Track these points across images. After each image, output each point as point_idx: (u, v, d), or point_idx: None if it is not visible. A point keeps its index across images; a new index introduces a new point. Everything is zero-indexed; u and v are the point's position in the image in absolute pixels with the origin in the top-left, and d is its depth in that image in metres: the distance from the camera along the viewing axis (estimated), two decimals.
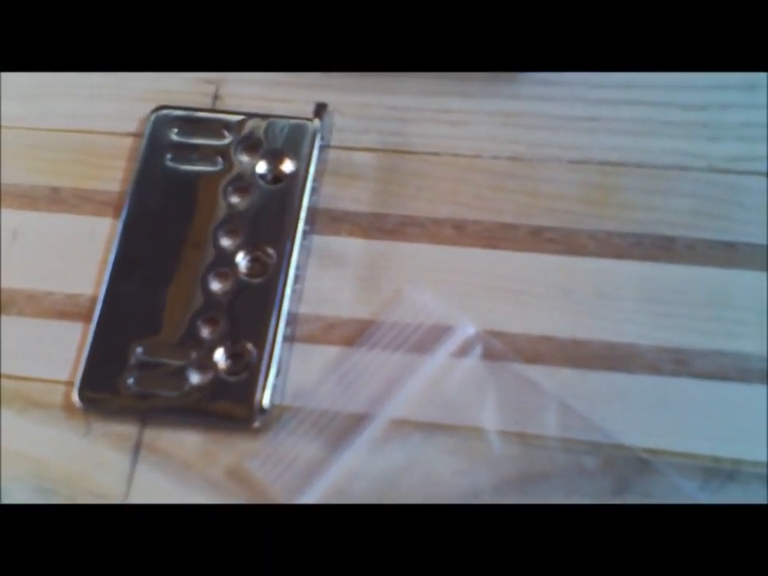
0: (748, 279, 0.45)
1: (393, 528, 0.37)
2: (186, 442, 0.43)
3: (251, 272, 0.45)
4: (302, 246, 0.46)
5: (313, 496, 0.41)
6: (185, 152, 0.48)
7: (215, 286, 0.45)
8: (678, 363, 0.43)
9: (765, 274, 0.45)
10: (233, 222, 0.46)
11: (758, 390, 0.42)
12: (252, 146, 0.48)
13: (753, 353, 0.43)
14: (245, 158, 0.48)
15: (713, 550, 0.35)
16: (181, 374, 0.43)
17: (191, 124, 0.49)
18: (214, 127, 0.49)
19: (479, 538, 0.36)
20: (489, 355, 0.44)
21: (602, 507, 0.40)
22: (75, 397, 0.43)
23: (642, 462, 0.41)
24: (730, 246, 0.45)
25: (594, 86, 0.49)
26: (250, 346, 0.43)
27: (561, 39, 0.46)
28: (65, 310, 0.46)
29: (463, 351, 0.44)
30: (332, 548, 0.36)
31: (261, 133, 0.48)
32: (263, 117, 0.49)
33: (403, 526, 0.37)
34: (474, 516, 0.37)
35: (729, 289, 0.45)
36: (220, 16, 0.47)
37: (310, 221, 0.47)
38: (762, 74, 0.49)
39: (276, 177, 0.47)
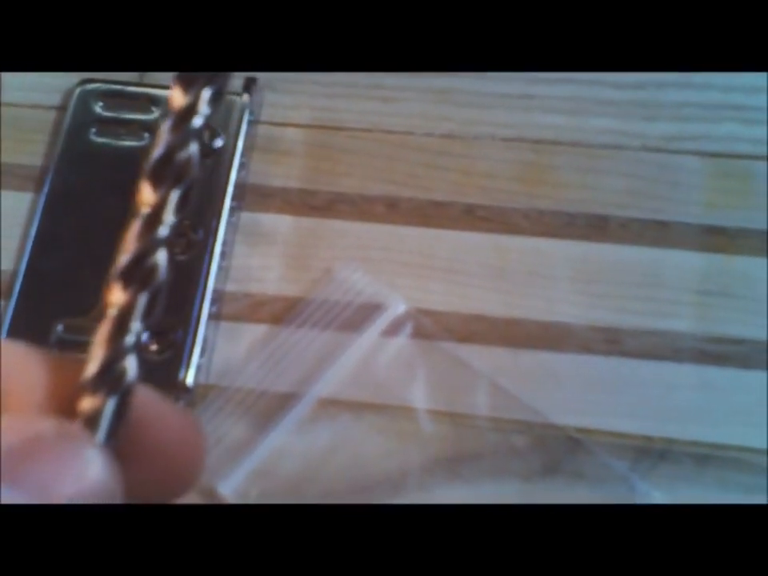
0: (681, 258, 0.44)
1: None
2: None
3: (177, 249, 0.44)
4: (229, 223, 0.45)
5: (238, 477, 0.40)
6: (110, 127, 0.47)
7: None
8: (610, 342, 0.43)
9: (698, 253, 0.44)
10: None
11: (690, 369, 0.42)
12: None
13: (686, 332, 0.43)
14: None
15: (710, 551, 0.33)
16: None
17: (117, 98, 0.48)
18: (141, 102, 0.48)
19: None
20: (419, 334, 0.43)
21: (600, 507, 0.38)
22: None
23: (573, 442, 0.41)
24: (663, 225, 0.45)
25: None
26: (174, 324, 0.42)
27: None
28: None
29: (393, 330, 0.43)
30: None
31: None
32: None
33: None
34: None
35: (662, 268, 0.44)
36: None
37: (238, 197, 0.45)
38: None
39: (203, 152, 0.46)
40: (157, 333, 0.42)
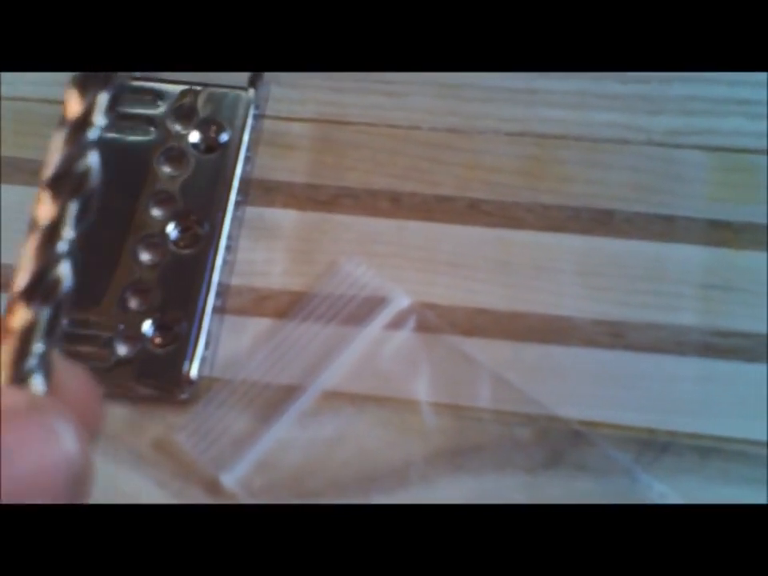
0: (686, 252, 0.44)
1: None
2: (112, 413, 0.42)
3: (182, 243, 0.44)
4: (234, 217, 0.45)
5: (242, 469, 0.41)
6: (117, 121, 0.47)
7: (145, 256, 0.44)
8: (615, 336, 0.43)
9: (702, 247, 0.44)
10: (164, 192, 0.45)
11: (693, 362, 0.42)
12: (185, 115, 0.47)
13: (690, 325, 0.43)
14: (178, 128, 0.47)
15: (710, 552, 0.33)
16: (108, 345, 0.42)
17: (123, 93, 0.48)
18: (148, 96, 0.48)
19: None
20: (423, 327, 0.43)
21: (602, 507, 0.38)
22: None
23: (576, 434, 0.41)
24: (668, 219, 0.45)
25: None
26: (179, 317, 0.43)
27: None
28: None
29: (397, 323, 0.43)
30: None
31: (195, 102, 0.47)
32: (198, 86, 0.48)
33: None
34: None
35: (666, 262, 0.44)
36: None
37: (243, 191, 0.46)
38: None
39: (209, 146, 0.46)
40: (161, 326, 0.43)
